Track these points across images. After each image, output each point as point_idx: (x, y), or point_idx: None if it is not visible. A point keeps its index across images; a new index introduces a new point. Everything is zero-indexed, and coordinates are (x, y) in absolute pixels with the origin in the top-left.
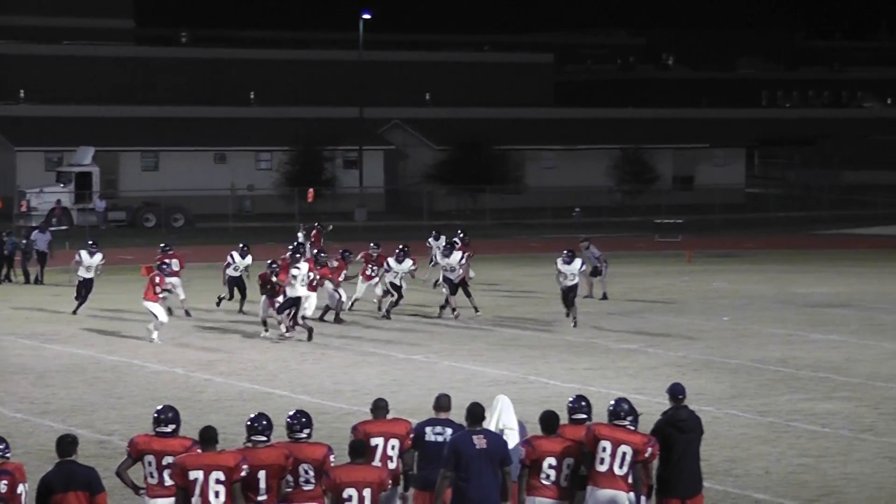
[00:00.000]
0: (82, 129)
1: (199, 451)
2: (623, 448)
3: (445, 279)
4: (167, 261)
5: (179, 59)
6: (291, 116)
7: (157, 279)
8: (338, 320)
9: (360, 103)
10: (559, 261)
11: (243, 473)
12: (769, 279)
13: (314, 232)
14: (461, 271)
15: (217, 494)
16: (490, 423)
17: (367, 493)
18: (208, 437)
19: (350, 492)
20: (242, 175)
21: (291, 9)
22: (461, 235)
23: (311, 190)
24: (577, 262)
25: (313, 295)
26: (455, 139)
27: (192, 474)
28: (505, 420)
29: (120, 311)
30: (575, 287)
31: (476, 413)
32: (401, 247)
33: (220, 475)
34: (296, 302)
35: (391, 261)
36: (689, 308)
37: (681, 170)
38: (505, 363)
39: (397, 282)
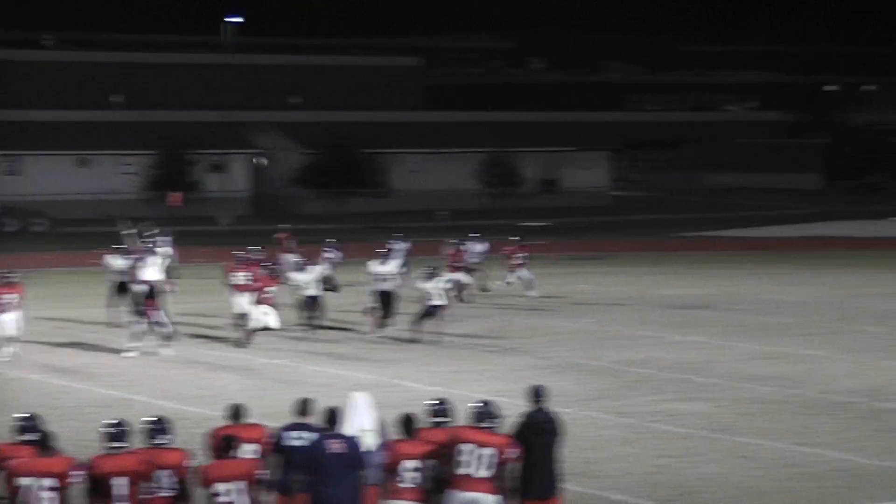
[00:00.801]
0: None
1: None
2: (484, 450)
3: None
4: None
5: (42, 63)
6: (157, 120)
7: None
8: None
9: (227, 107)
10: (419, 280)
11: (74, 480)
12: (632, 281)
13: (283, 235)
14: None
15: (47, 501)
16: (348, 425)
17: (238, 486)
18: (43, 442)
19: (222, 486)
20: (106, 179)
21: (158, 11)
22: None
23: (175, 194)
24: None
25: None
26: (322, 142)
27: (23, 480)
28: (363, 421)
29: None
30: (439, 307)
31: (333, 417)
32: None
33: (51, 482)
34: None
35: (374, 265)
36: (554, 310)
37: (546, 173)
38: (369, 367)
39: (388, 287)
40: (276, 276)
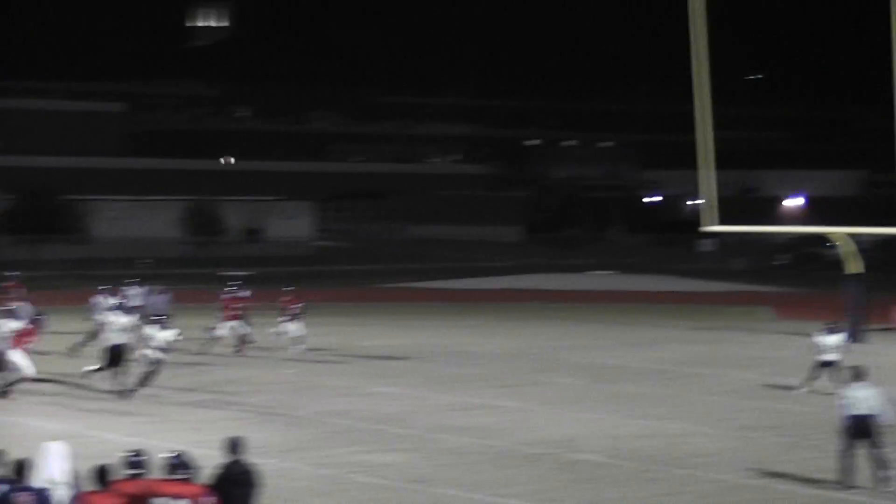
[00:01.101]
0: None
1: None
2: (178, 502)
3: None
4: None
5: None
6: None
7: None
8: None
9: None
10: (152, 330)
11: None
12: (334, 332)
13: (11, 284)
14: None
15: None
16: (39, 476)
17: None
18: None
19: None
20: None
21: None
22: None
23: None
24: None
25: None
26: (20, 188)
27: None
28: (54, 473)
29: None
30: (160, 361)
31: (22, 469)
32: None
33: None
34: None
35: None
36: (254, 360)
37: (250, 222)
38: (63, 417)
39: (125, 340)
40: (38, 324)
